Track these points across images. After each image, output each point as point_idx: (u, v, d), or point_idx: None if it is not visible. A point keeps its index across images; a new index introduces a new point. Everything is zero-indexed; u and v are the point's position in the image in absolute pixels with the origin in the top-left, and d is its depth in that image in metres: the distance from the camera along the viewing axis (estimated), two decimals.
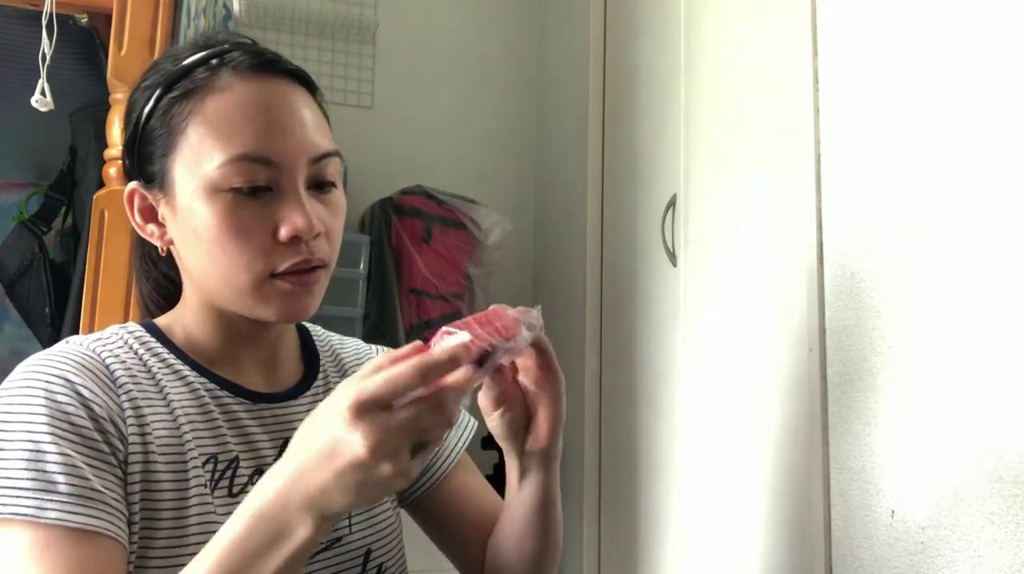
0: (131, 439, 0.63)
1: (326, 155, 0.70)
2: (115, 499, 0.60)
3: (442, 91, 2.48)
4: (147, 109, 0.69)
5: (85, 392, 0.62)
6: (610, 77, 1.99)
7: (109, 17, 1.33)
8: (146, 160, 0.70)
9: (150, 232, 0.72)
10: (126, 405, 0.64)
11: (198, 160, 0.66)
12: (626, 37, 1.90)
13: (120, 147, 1.29)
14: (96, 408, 0.62)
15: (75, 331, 1.41)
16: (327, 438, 0.51)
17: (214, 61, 0.68)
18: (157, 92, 0.68)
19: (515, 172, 2.53)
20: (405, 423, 0.51)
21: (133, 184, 0.72)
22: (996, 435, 0.80)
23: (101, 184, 1.35)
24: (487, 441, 2.11)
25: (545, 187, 2.45)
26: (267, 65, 0.70)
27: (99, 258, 1.27)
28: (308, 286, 0.69)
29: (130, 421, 0.64)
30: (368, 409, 0.50)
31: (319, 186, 0.70)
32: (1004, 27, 0.82)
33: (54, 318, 1.61)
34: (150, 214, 0.72)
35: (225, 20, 1.69)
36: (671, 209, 1.56)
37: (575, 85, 2.14)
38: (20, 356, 0.69)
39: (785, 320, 1.17)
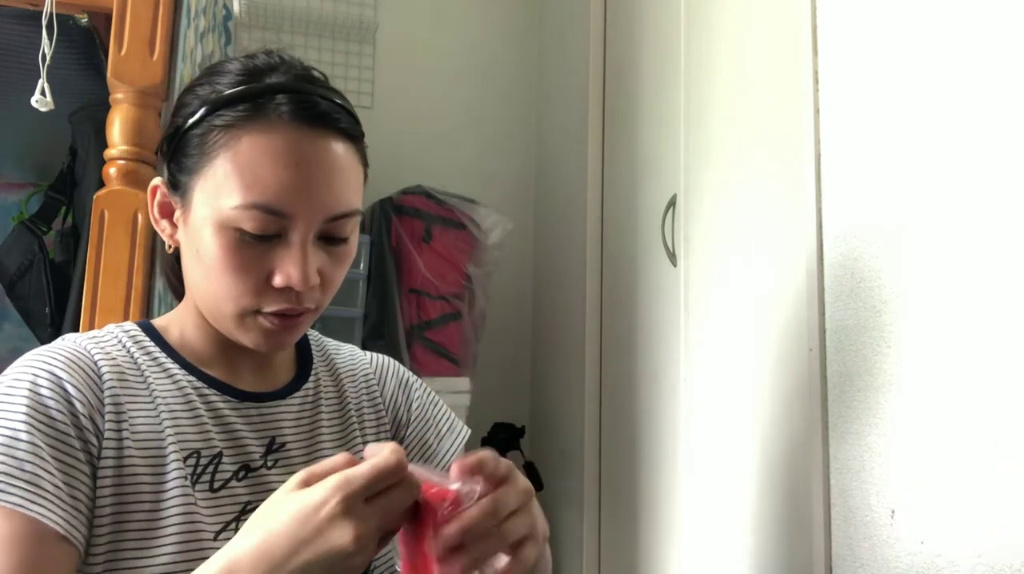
0: (107, 434, 0.66)
1: (344, 215, 0.70)
2: (72, 497, 0.63)
3: (442, 91, 2.48)
4: (191, 121, 0.69)
5: (70, 388, 0.66)
6: (610, 77, 1.99)
7: (109, 17, 1.33)
8: (176, 167, 0.72)
9: (163, 227, 0.75)
10: (107, 401, 0.67)
11: (217, 193, 0.67)
12: (626, 37, 1.90)
13: (120, 147, 1.30)
14: (77, 404, 0.66)
15: (75, 331, 1.41)
16: (315, 522, 0.53)
17: (260, 100, 0.68)
18: (203, 111, 0.69)
19: (515, 172, 2.53)
20: (380, 511, 0.54)
21: (159, 180, 0.74)
22: (996, 434, 0.80)
23: (101, 184, 1.34)
24: (486, 441, 2.12)
25: (545, 187, 2.45)
26: (315, 119, 0.69)
27: (99, 258, 1.27)
28: (289, 328, 0.72)
29: (108, 416, 0.67)
30: (357, 501, 0.53)
31: (331, 239, 0.71)
32: (1004, 26, 0.82)
33: (54, 318, 1.61)
34: (167, 211, 0.74)
35: (225, 20, 1.69)
36: (671, 209, 1.56)
37: (575, 85, 2.14)
38: (20, 355, 0.70)
39: (785, 320, 1.17)
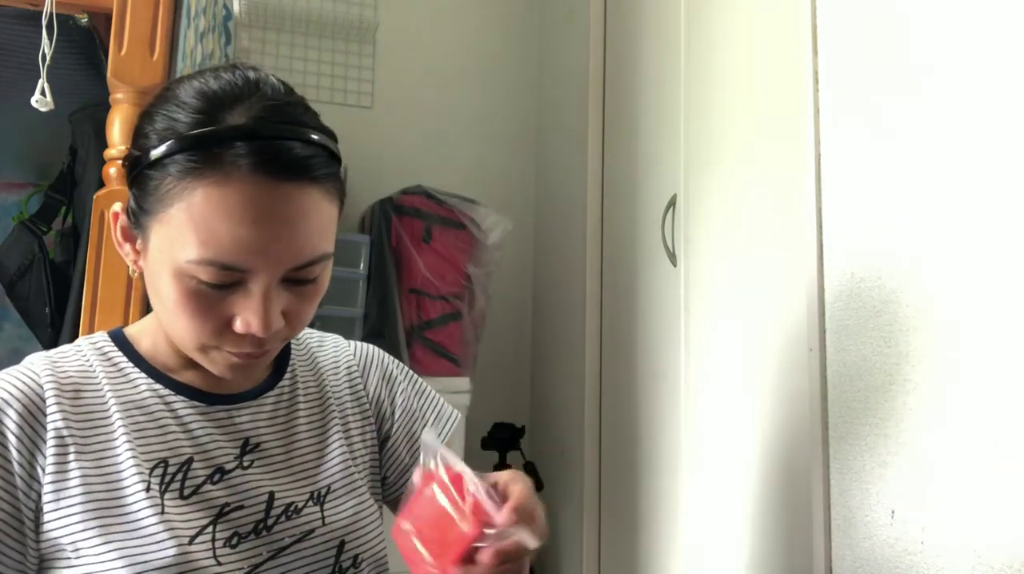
0: (48, 465, 0.66)
1: (310, 263, 0.67)
2: None
3: (442, 91, 2.48)
4: (153, 154, 0.64)
5: (10, 424, 0.66)
6: (610, 77, 1.99)
7: (109, 17, 1.33)
8: (135, 202, 0.68)
9: (126, 252, 0.72)
10: (50, 431, 0.67)
11: (172, 243, 0.64)
12: (626, 37, 1.90)
13: (120, 148, 1.30)
14: (12, 438, 0.66)
15: (75, 331, 1.41)
16: None
17: (217, 149, 0.62)
18: (159, 152, 0.64)
19: (515, 172, 2.53)
20: None
21: (119, 206, 0.71)
22: (996, 434, 0.80)
23: (101, 184, 1.34)
24: (486, 441, 2.12)
25: (545, 187, 2.45)
26: (277, 171, 0.63)
27: (99, 258, 1.27)
28: (253, 363, 0.71)
29: (51, 447, 0.67)
30: None
31: (297, 281, 0.68)
32: (1004, 26, 0.82)
33: (54, 318, 1.61)
34: (130, 236, 0.72)
35: (225, 20, 1.69)
36: (671, 209, 1.56)
37: (575, 85, 2.14)
38: (20, 356, 0.72)
39: (785, 320, 1.17)
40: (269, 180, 0.62)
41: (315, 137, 0.66)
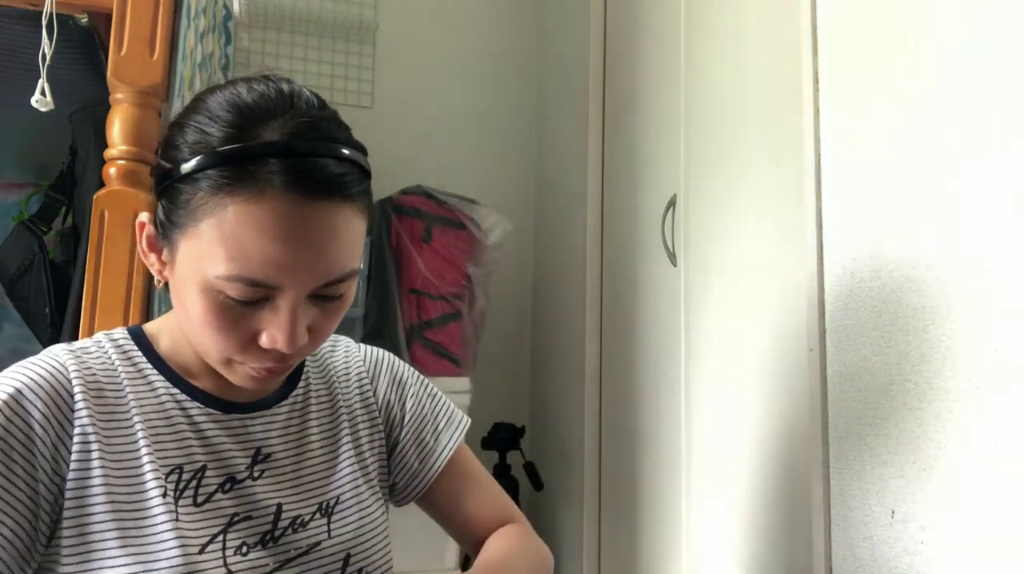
0: (73, 461, 0.66)
1: (338, 280, 0.66)
2: None
3: (442, 91, 2.49)
4: (185, 168, 0.63)
5: (35, 413, 0.65)
6: (610, 77, 1.99)
7: (109, 17, 1.33)
8: (163, 213, 0.67)
9: (151, 262, 0.72)
10: (76, 427, 0.66)
11: (201, 257, 0.63)
12: (626, 37, 1.90)
13: (120, 147, 1.30)
14: (37, 428, 0.64)
15: (75, 331, 1.41)
16: None
17: (252, 166, 0.61)
18: (190, 166, 0.63)
19: (515, 172, 2.53)
20: None
21: (146, 216, 0.71)
22: (996, 434, 0.80)
23: (101, 184, 1.34)
24: (486, 441, 2.12)
25: (545, 187, 2.45)
26: (310, 189, 0.62)
27: (99, 258, 1.27)
28: (275, 376, 0.71)
29: (76, 443, 0.66)
30: None
31: (324, 297, 0.68)
32: (1006, 26, 0.82)
33: (54, 318, 1.61)
34: (156, 246, 0.71)
35: (225, 20, 1.69)
36: (671, 209, 1.56)
37: (575, 85, 2.14)
38: (20, 356, 0.71)
39: (785, 320, 1.17)
40: (302, 198, 0.62)
41: (347, 153, 0.65)
